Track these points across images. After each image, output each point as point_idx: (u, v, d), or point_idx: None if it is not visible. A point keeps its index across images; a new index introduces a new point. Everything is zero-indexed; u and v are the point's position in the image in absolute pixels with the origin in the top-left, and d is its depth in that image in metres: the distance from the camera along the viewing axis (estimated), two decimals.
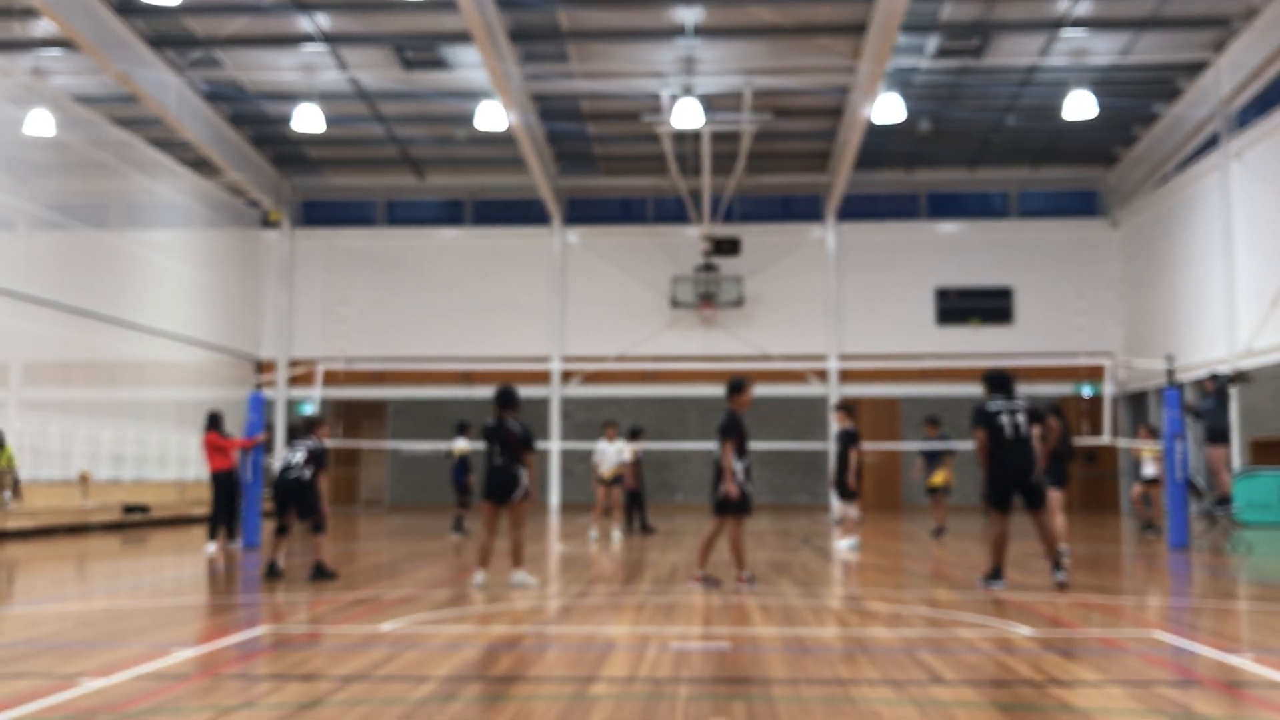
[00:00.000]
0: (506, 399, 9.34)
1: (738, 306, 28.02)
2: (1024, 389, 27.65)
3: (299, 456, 10.26)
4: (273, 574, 10.06)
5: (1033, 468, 9.10)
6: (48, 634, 6.95)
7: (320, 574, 10.04)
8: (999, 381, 9.41)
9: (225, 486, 13.85)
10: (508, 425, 9.21)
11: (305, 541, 11.53)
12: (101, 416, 21.56)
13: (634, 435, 17.60)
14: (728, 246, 27.88)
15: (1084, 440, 21.06)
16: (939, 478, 16.93)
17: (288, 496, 10.28)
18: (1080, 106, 22.91)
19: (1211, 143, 23.11)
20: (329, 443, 12.88)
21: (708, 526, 9.39)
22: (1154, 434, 17.20)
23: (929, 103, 24.12)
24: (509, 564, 9.74)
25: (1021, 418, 9.19)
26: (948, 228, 29.11)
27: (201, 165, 25.99)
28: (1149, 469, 17.16)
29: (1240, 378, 14.42)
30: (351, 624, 7.27)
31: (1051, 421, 10.14)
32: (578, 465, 27.45)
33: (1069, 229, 28.79)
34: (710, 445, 10.23)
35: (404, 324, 29.04)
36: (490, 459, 9.22)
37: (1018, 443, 9.09)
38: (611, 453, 16.35)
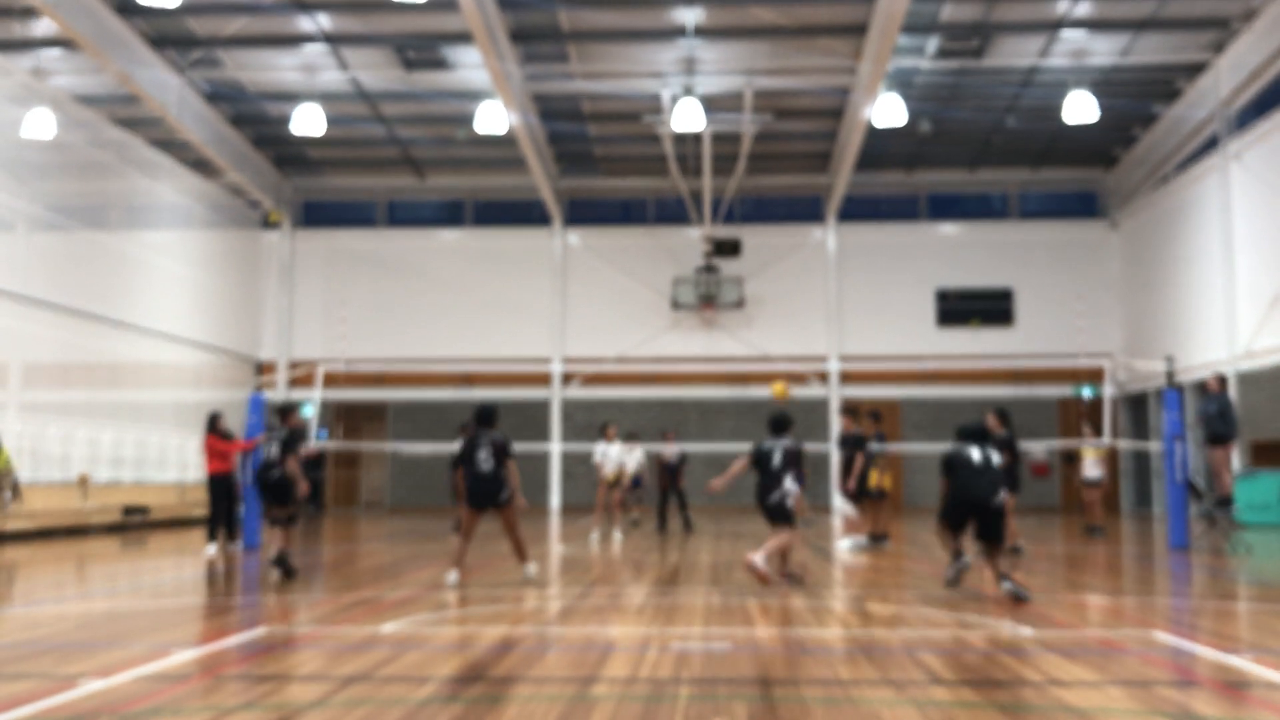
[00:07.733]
0: (491, 417, 9.85)
1: (738, 308, 28.00)
2: (1024, 391, 27.69)
3: (274, 451, 10.50)
4: (284, 568, 10.08)
5: (995, 492, 8.76)
6: (48, 635, 6.95)
7: (281, 564, 10.05)
8: (972, 432, 9.33)
9: (222, 490, 13.87)
10: (493, 437, 9.65)
11: (271, 533, 11.74)
12: (101, 418, 21.53)
13: (631, 437, 17.67)
14: (728, 248, 27.87)
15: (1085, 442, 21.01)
16: (874, 477, 14.74)
17: (271, 492, 10.59)
18: (1080, 108, 22.90)
19: (1211, 144, 23.11)
20: (330, 445, 13.07)
21: (780, 537, 9.30)
22: (1098, 434, 17.03)
23: (929, 104, 24.11)
24: (515, 564, 10.03)
25: (991, 450, 9.04)
26: (948, 229, 29.11)
27: (202, 166, 25.99)
28: (1091, 470, 17.03)
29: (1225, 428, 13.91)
30: (352, 625, 7.27)
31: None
32: (578, 467, 27.42)
33: (1069, 230, 28.80)
34: (704, 447, 10.33)
35: (404, 325, 29.03)
36: (473, 467, 9.56)
37: (986, 469, 8.86)
38: (614, 454, 16.36)
